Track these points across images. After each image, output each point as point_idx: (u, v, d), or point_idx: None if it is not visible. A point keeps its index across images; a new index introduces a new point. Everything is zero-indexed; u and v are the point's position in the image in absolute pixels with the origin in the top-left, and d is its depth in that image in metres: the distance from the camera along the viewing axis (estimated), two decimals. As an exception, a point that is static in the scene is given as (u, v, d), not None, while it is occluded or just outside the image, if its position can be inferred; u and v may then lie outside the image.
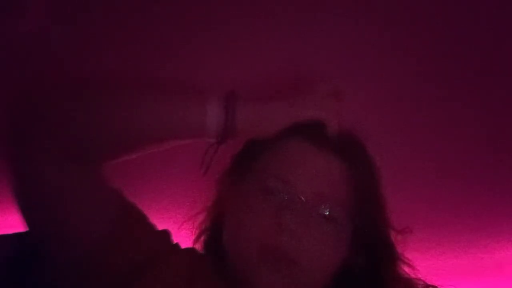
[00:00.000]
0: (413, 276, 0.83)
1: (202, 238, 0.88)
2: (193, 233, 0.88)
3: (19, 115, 0.73)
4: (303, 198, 0.75)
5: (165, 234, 0.83)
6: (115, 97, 0.75)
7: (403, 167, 1.04)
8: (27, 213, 0.74)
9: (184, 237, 0.88)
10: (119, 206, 0.76)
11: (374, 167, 0.82)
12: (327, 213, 0.76)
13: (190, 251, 0.84)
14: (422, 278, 0.83)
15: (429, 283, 0.84)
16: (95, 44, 0.95)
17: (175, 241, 0.84)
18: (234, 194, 0.81)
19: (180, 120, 0.76)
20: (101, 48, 0.95)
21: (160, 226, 0.83)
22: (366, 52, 0.97)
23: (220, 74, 0.96)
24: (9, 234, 1.12)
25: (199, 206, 0.88)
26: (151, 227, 0.81)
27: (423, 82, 1.00)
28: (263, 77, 0.94)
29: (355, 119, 0.83)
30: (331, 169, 0.78)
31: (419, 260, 0.84)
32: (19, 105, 0.74)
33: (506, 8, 0.93)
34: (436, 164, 1.08)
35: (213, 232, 0.85)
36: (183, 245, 0.84)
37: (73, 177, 0.72)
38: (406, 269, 0.83)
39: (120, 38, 0.94)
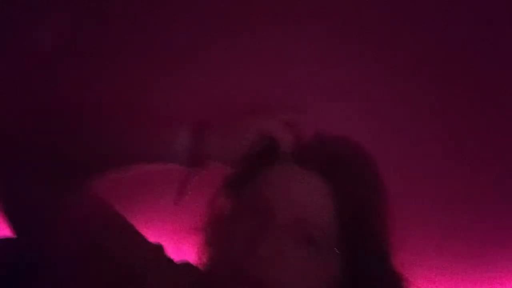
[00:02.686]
0: None
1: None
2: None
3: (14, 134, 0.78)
4: (280, 223, 0.74)
5: (158, 248, 0.82)
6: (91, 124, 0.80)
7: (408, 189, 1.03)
8: (15, 224, 0.78)
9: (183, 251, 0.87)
10: (105, 218, 0.78)
11: (366, 187, 0.78)
12: (308, 240, 0.74)
13: (185, 266, 0.84)
14: None
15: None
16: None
17: (170, 256, 0.84)
18: (221, 218, 0.81)
19: (147, 144, 0.79)
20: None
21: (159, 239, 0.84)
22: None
23: (190, 103, 0.99)
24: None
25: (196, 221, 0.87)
26: (141, 240, 0.81)
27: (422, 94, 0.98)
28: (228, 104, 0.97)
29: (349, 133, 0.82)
30: (314, 194, 0.76)
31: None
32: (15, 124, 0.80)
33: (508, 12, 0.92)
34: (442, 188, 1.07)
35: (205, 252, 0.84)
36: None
37: (59, 191, 0.76)
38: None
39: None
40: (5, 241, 1.11)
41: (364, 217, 0.77)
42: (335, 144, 0.80)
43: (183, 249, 0.87)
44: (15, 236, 0.78)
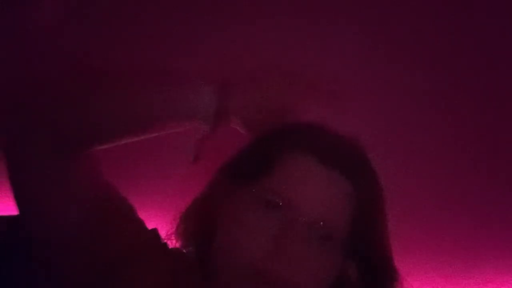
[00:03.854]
0: None
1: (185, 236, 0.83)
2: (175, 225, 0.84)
3: (14, 107, 0.75)
4: (306, 221, 0.72)
5: (153, 232, 0.81)
6: (104, 83, 0.77)
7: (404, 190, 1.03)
8: (17, 196, 0.74)
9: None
10: (102, 195, 0.76)
11: (380, 189, 0.78)
12: (327, 237, 0.73)
13: (178, 254, 0.82)
14: None
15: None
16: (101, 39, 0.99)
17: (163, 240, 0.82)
18: (230, 200, 0.78)
19: (172, 102, 0.76)
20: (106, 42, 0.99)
21: (151, 223, 0.82)
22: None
23: (214, 66, 0.97)
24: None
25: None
26: (137, 222, 0.79)
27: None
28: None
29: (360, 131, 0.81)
30: (338, 193, 0.75)
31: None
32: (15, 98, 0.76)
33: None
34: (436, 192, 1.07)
35: (202, 237, 0.81)
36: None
37: (60, 162, 0.73)
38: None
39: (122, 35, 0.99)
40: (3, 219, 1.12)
41: (374, 218, 0.77)
42: (354, 144, 0.79)
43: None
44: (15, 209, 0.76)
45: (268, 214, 0.73)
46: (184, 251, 0.83)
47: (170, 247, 0.82)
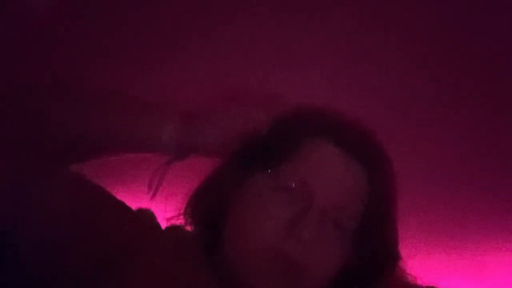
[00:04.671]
0: (409, 276, 0.80)
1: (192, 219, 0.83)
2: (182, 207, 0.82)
3: None
4: (320, 206, 0.72)
5: (145, 214, 0.81)
6: (77, 100, 0.77)
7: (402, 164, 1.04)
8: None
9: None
10: (90, 196, 0.77)
11: (394, 182, 0.78)
12: (339, 224, 0.73)
13: (174, 231, 0.81)
14: (416, 278, 0.81)
15: (425, 284, 0.82)
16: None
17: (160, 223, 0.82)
18: (244, 184, 0.77)
19: (134, 128, 0.77)
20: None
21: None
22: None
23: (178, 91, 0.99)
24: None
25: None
26: (125, 211, 0.79)
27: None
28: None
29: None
30: (354, 182, 0.75)
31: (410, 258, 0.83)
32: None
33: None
34: (434, 164, 1.09)
35: (212, 219, 0.80)
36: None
37: (39, 172, 0.75)
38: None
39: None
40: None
41: (385, 210, 0.77)
42: (372, 135, 0.79)
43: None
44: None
45: (283, 198, 0.73)
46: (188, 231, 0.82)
47: (165, 227, 0.82)
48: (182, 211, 0.80)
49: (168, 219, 0.81)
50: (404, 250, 0.81)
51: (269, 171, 0.75)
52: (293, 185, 0.73)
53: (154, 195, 0.80)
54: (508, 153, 1.09)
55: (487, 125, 1.06)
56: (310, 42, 0.98)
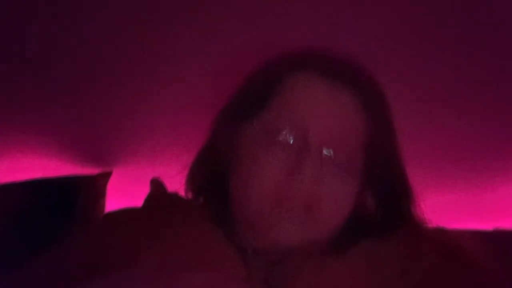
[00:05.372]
0: (420, 216, 0.77)
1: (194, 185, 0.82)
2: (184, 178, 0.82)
3: None
4: (319, 141, 0.71)
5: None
6: None
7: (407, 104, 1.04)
8: None
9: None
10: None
11: (386, 99, 0.76)
12: (342, 158, 0.71)
13: (171, 198, 0.81)
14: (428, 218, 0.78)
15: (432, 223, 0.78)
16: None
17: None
18: (236, 141, 0.76)
19: None
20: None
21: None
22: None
23: None
24: (17, 183, 1.14)
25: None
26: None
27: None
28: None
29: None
30: (348, 109, 0.72)
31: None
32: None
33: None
34: (439, 101, 1.08)
35: (212, 178, 0.80)
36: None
37: None
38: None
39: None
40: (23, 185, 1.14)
41: (385, 129, 0.75)
42: (354, 59, 0.76)
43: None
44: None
45: (281, 143, 0.71)
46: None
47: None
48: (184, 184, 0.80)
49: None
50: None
51: (254, 120, 0.74)
52: (288, 127, 0.72)
53: None
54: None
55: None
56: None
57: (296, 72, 0.74)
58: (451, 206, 1.28)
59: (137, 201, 0.82)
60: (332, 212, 0.72)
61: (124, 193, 1.23)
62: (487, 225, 1.19)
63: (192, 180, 0.80)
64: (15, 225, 1.07)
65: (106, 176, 1.23)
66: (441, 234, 0.76)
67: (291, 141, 0.71)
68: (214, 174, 0.78)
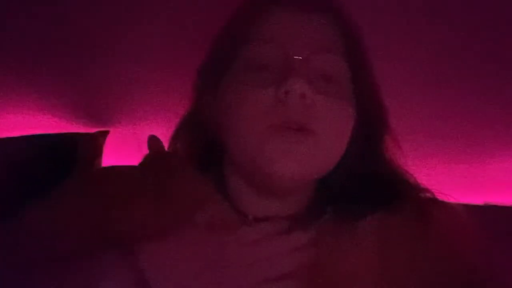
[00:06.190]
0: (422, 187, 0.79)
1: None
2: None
3: None
4: (301, 58, 0.70)
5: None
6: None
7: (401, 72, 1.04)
8: None
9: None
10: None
11: (364, 42, 0.77)
12: (331, 75, 0.72)
13: (169, 156, 0.82)
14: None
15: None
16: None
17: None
18: (222, 91, 0.75)
19: None
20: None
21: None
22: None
23: None
24: (16, 137, 1.16)
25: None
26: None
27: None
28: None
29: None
30: (324, 25, 0.73)
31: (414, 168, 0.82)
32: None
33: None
34: (435, 74, 1.09)
35: (203, 144, 0.80)
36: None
37: None
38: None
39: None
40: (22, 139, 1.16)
41: (363, 54, 0.76)
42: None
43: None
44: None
45: (264, 68, 0.71)
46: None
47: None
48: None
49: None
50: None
51: (237, 62, 0.73)
52: (267, 50, 0.71)
53: None
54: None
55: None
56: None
57: (267, 6, 0.74)
58: (442, 179, 1.29)
59: (134, 162, 0.82)
60: (329, 134, 0.71)
61: (120, 153, 1.24)
62: (477, 199, 1.21)
63: (183, 144, 0.81)
64: (14, 178, 1.08)
65: (103, 134, 1.24)
66: (448, 209, 0.76)
67: (274, 67, 0.71)
68: (204, 139, 0.79)
